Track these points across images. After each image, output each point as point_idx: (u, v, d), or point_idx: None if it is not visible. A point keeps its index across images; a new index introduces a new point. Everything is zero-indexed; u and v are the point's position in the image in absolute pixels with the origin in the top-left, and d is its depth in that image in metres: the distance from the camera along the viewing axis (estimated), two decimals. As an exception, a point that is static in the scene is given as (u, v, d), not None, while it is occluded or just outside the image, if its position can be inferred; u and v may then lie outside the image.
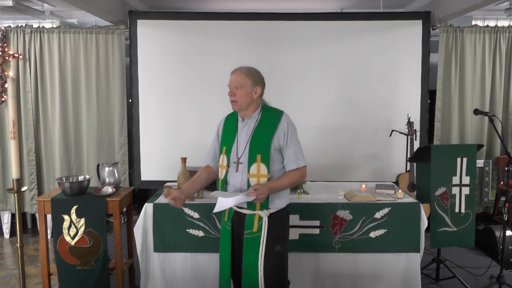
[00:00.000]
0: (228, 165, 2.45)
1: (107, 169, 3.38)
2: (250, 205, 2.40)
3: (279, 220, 2.47)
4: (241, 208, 2.44)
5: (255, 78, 2.48)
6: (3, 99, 4.66)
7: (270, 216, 2.42)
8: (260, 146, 2.40)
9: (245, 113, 2.48)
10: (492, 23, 5.13)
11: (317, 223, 3.03)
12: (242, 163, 2.41)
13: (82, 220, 3.02)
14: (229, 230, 2.50)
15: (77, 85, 4.74)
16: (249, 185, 2.39)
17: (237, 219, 2.47)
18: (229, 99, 2.48)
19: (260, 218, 2.41)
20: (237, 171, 2.42)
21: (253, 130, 2.44)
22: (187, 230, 3.00)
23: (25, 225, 5.06)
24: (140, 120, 4.82)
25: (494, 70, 4.77)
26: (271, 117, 2.46)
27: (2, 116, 4.72)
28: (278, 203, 2.44)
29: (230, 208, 2.48)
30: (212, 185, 3.31)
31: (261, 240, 2.40)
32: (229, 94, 2.44)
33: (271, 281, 2.42)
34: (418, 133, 4.68)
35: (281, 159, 2.44)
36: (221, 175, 2.47)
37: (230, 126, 2.54)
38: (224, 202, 2.33)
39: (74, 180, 3.19)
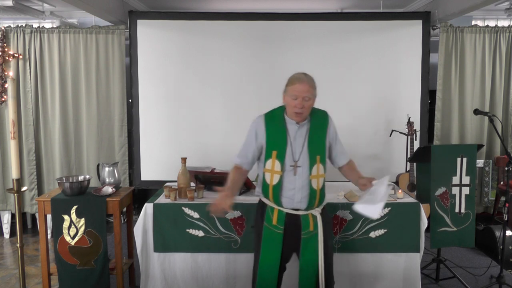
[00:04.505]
0: (282, 170, 2.42)
1: (107, 169, 3.38)
2: (308, 205, 2.44)
3: (327, 216, 2.57)
4: (297, 210, 2.45)
5: (316, 86, 2.46)
6: (3, 99, 4.66)
7: (321, 213, 2.50)
8: (318, 147, 2.46)
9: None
10: (492, 23, 5.13)
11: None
12: (300, 167, 2.42)
13: (82, 220, 3.02)
14: (281, 234, 2.47)
15: (77, 85, 4.74)
16: (310, 186, 2.43)
17: (290, 221, 2.45)
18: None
19: (314, 217, 2.47)
20: (295, 174, 2.41)
21: (307, 132, 2.45)
22: (187, 230, 3.00)
23: (25, 225, 5.06)
24: (140, 120, 4.82)
25: (494, 70, 4.77)
26: (320, 117, 2.53)
27: (2, 116, 4.72)
28: (325, 199, 2.56)
29: (280, 211, 2.46)
30: (211, 184, 3.32)
31: (319, 237, 2.46)
32: (297, 105, 2.36)
33: (328, 278, 2.51)
34: (418, 133, 4.68)
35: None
36: (274, 180, 2.43)
37: (277, 129, 2.45)
38: (378, 208, 2.31)
39: (74, 180, 3.19)
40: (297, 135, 2.44)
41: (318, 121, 2.51)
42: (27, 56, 4.66)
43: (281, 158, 2.42)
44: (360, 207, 2.34)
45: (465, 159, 3.29)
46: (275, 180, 2.43)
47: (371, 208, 2.32)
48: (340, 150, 2.61)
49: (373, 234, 3.03)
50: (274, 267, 2.49)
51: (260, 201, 2.57)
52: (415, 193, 3.85)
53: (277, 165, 2.42)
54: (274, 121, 2.48)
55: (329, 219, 2.61)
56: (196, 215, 2.99)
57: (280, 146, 2.43)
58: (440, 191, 3.29)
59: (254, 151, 2.49)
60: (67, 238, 3.03)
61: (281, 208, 2.45)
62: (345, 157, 2.63)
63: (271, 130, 2.46)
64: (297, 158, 2.42)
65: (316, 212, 2.48)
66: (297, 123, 2.45)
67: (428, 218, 3.19)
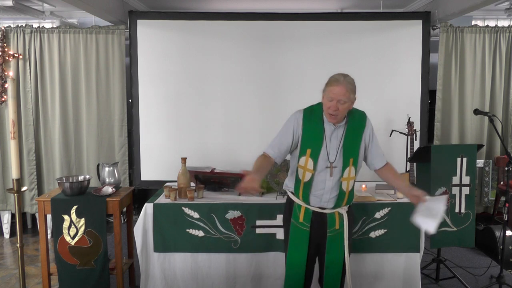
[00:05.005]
0: (314, 169, 2.41)
1: (107, 169, 3.38)
2: (335, 205, 2.46)
3: (352, 215, 2.58)
4: (324, 208, 2.45)
5: (355, 90, 2.39)
6: (3, 99, 4.66)
7: (347, 212, 2.52)
8: (352, 150, 2.44)
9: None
10: (492, 23, 5.13)
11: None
12: (336, 167, 2.41)
13: (82, 220, 3.02)
14: (307, 231, 2.48)
15: (77, 85, 4.74)
16: (340, 188, 2.43)
17: (317, 218, 2.47)
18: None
19: (340, 215, 2.48)
20: (331, 175, 2.41)
21: (343, 134, 2.43)
22: (187, 230, 3.00)
23: (25, 225, 5.06)
24: (140, 120, 4.82)
25: (494, 70, 4.77)
26: (357, 119, 2.50)
27: (2, 116, 4.72)
28: (352, 200, 2.57)
29: (307, 209, 2.46)
30: (211, 184, 3.32)
31: (345, 235, 2.48)
32: (331, 107, 2.33)
33: (342, 276, 2.55)
34: (418, 133, 4.68)
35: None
36: (305, 178, 2.43)
37: (314, 127, 2.43)
38: (435, 223, 2.32)
39: (74, 180, 3.19)
40: (332, 136, 2.42)
41: (355, 123, 2.48)
42: (27, 56, 4.66)
43: (314, 157, 2.40)
44: (420, 220, 2.35)
45: (465, 159, 3.29)
46: (307, 178, 2.43)
47: (430, 222, 2.33)
48: (376, 153, 2.54)
49: (373, 234, 3.03)
50: (301, 263, 2.50)
51: (288, 198, 2.57)
52: (415, 193, 3.85)
53: (310, 164, 2.41)
54: (312, 118, 2.45)
55: (352, 217, 2.61)
56: (196, 215, 2.99)
57: (315, 145, 2.41)
58: (440, 191, 3.29)
59: (288, 145, 2.45)
60: (67, 238, 3.03)
61: (308, 206, 2.46)
62: (381, 160, 2.56)
63: (308, 127, 2.43)
64: (332, 159, 2.41)
65: (343, 210, 2.49)
66: (334, 124, 2.42)
67: (428, 218, 3.19)
